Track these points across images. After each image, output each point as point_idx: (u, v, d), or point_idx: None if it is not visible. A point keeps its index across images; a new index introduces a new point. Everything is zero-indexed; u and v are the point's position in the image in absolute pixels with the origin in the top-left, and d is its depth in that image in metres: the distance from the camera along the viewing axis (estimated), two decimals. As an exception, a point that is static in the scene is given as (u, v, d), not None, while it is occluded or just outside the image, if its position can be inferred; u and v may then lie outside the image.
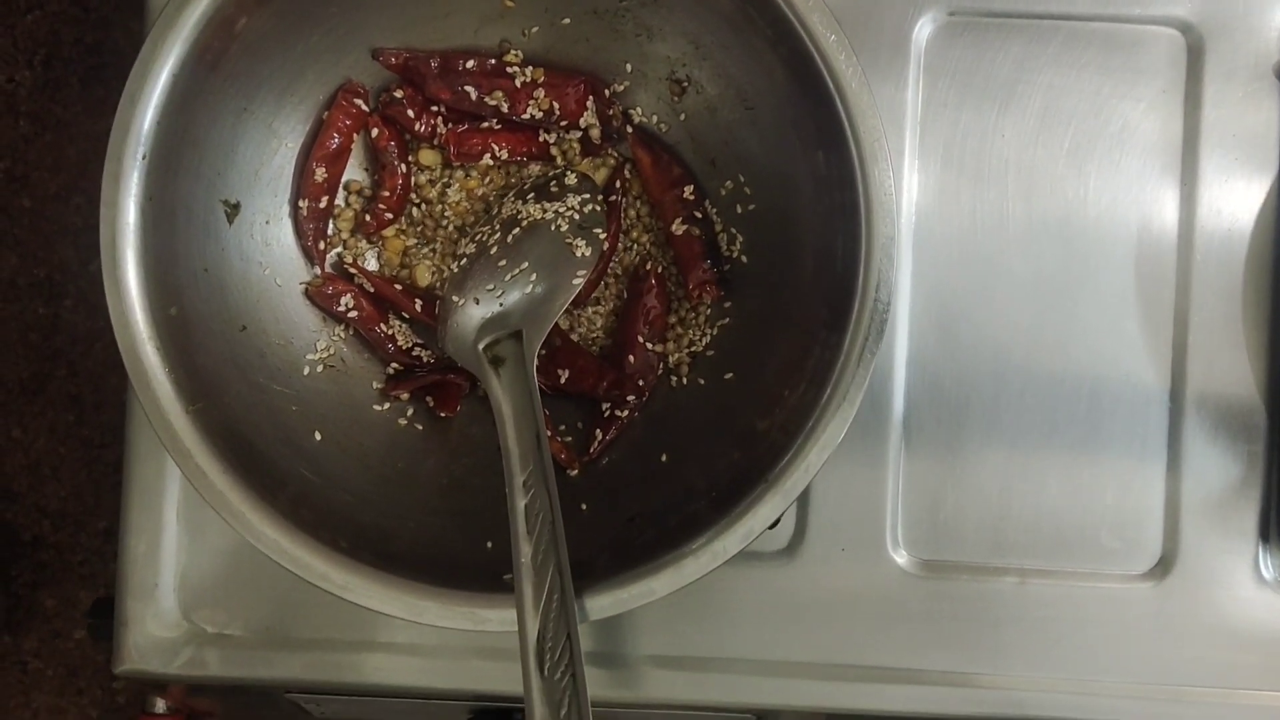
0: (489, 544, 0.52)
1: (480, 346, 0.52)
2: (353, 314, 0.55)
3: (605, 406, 0.56)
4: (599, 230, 0.54)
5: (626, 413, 0.56)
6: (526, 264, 0.53)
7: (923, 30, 0.59)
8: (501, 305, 0.53)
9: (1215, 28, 0.58)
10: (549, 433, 0.54)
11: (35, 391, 0.79)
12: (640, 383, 0.56)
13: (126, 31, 0.78)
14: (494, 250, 0.54)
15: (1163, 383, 0.59)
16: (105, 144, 0.78)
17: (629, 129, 0.57)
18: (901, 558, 0.59)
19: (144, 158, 0.48)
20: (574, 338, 0.57)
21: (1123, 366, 0.59)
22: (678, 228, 0.56)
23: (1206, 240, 0.59)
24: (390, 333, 0.56)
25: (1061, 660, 0.59)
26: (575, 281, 0.53)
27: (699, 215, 0.56)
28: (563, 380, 0.56)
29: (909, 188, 0.59)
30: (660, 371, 0.57)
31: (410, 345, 0.56)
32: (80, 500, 0.79)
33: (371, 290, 0.56)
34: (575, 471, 0.56)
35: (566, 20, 0.54)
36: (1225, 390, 0.59)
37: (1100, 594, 0.59)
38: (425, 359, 0.57)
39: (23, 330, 0.80)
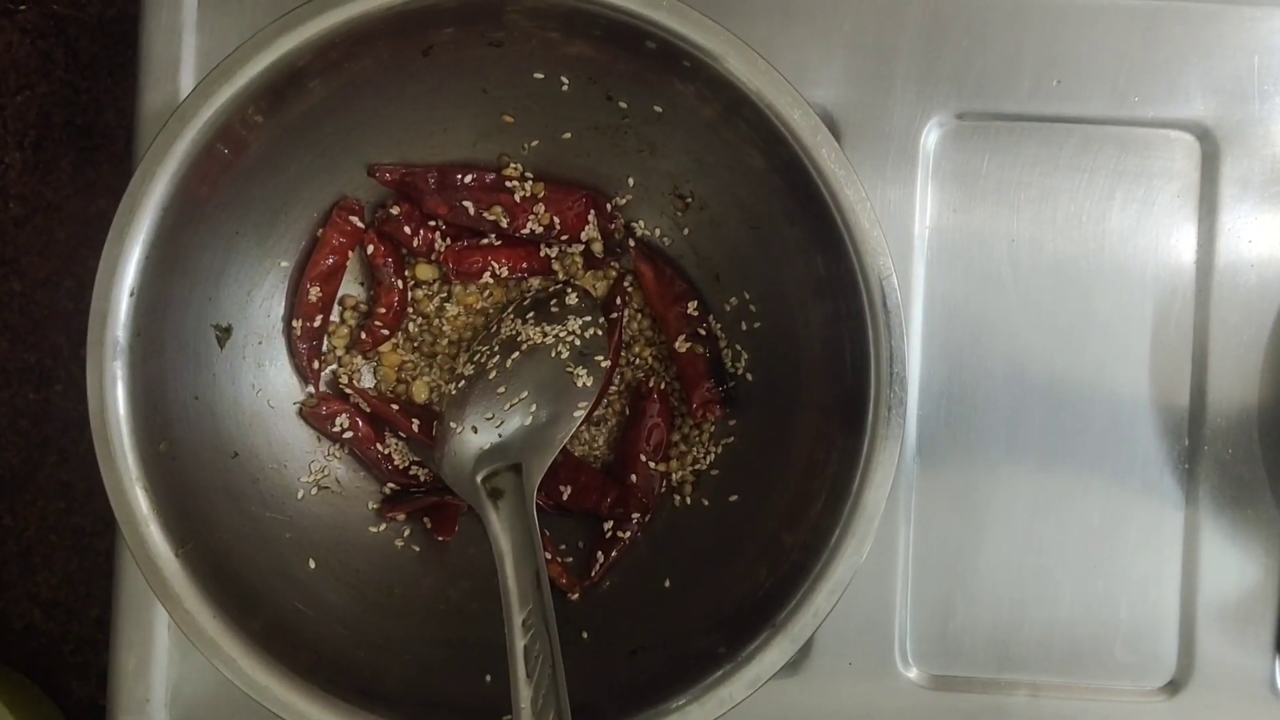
0: (487, 678, 0.50)
1: (479, 478, 0.50)
2: (348, 434, 0.54)
3: (607, 527, 0.54)
4: (600, 358, 0.52)
5: (629, 534, 0.54)
6: (526, 392, 0.52)
7: (931, 134, 0.57)
8: (500, 436, 0.51)
9: (1231, 132, 0.57)
10: (548, 554, 0.53)
11: (26, 479, 0.77)
12: (644, 502, 0.54)
13: (118, 113, 0.77)
14: (493, 375, 0.52)
15: (1179, 484, 0.58)
16: (96, 228, 0.77)
17: (632, 243, 0.55)
18: (911, 672, 0.58)
19: (132, 294, 0.46)
20: (575, 453, 0.56)
21: (1138, 470, 0.58)
22: (681, 345, 0.54)
23: (1221, 349, 0.57)
24: (387, 452, 0.55)
25: (1074, 779, 0.57)
26: (576, 413, 0.51)
27: (703, 331, 0.55)
28: (565, 497, 0.54)
29: (918, 292, 0.57)
30: (663, 490, 0.55)
31: (407, 464, 0.55)
32: (72, 588, 0.78)
33: (368, 410, 0.54)
34: (575, 595, 0.54)
35: (567, 135, 0.53)
36: (1241, 495, 0.58)
37: (1114, 710, 0.58)
38: (422, 479, 0.55)
39: (13, 417, 0.78)
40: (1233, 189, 0.57)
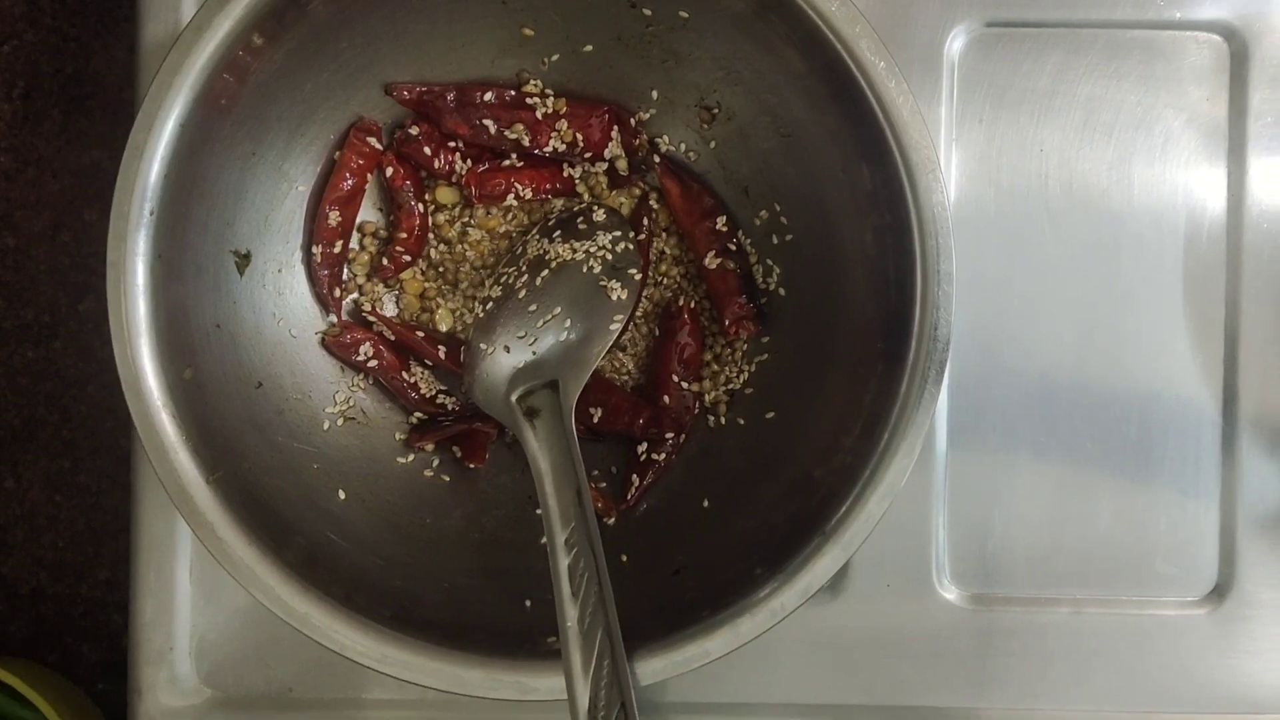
0: (527, 603, 0.49)
1: (513, 398, 0.49)
2: (373, 363, 0.53)
3: (641, 450, 0.53)
4: (633, 270, 0.51)
5: (664, 455, 0.53)
6: (559, 308, 0.50)
7: (956, 42, 0.56)
8: (535, 353, 0.50)
9: (1259, 31, 0.56)
10: (585, 478, 0.51)
11: (28, 439, 0.75)
12: (678, 422, 0.53)
13: (108, 60, 0.75)
14: (522, 294, 0.51)
15: (1215, 401, 0.57)
16: (90, 179, 0.75)
17: (656, 159, 0.54)
18: (950, 593, 0.57)
19: (152, 213, 0.44)
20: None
21: (1173, 385, 0.57)
22: (711, 261, 0.53)
23: (1256, 253, 0.57)
24: (413, 381, 0.53)
25: (1119, 693, 0.57)
26: (613, 327, 0.50)
27: (733, 247, 0.53)
28: (596, 420, 0.53)
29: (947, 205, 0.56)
30: (697, 411, 0.54)
31: (434, 393, 0.54)
32: (80, 550, 0.76)
33: (391, 338, 0.53)
34: (613, 520, 0.53)
35: (589, 47, 0.52)
36: (1278, 406, 0.57)
37: (1156, 622, 0.57)
38: (450, 407, 0.54)
39: (11, 375, 0.77)
40: (1262, 90, 0.56)
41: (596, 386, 0.53)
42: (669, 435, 0.53)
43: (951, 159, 0.56)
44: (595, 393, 0.53)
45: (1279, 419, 0.57)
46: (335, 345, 0.52)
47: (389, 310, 0.54)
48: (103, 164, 0.74)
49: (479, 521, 0.53)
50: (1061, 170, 0.57)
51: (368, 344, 0.52)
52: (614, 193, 0.54)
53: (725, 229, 0.53)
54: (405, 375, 0.53)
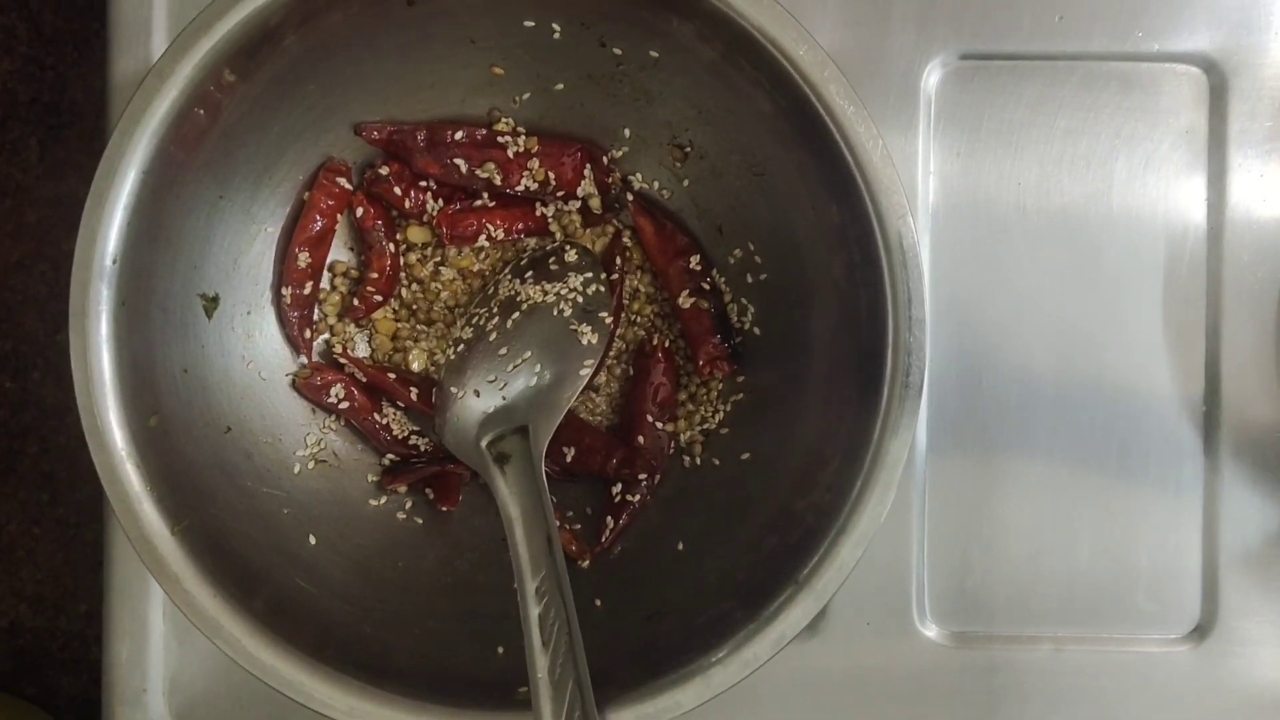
0: (500, 649, 0.49)
1: (484, 443, 0.48)
2: (344, 405, 0.52)
3: (616, 491, 0.53)
4: (605, 314, 0.50)
5: (639, 497, 0.53)
6: (530, 352, 0.50)
7: (932, 75, 0.56)
8: (505, 398, 0.49)
9: (1238, 63, 0.56)
10: (557, 522, 0.51)
11: (6, 471, 0.75)
12: (652, 463, 0.53)
13: (85, 88, 0.75)
14: (493, 336, 0.50)
15: (1196, 429, 0.56)
16: (67, 208, 0.74)
17: (629, 197, 0.53)
18: (930, 630, 0.56)
19: (114, 261, 0.44)
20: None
21: (1154, 414, 0.56)
22: (684, 300, 0.53)
23: (1236, 284, 0.56)
24: (385, 422, 0.53)
25: (1100, 731, 0.56)
26: (583, 372, 0.49)
27: (706, 286, 0.53)
28: (569, 459, 0.53)
29: (924, 240, 0.56)
30: (671, 451, 0.53)
31: (406, 434, 0.53)
32: (58, 583, 0.75)
33: (363, 379, 0.52)
34: (586, 563, 0.52)
35: (560, 86, 0.51)
36: (1262, 437, 0.56)
37: (1138, 659, 0.56)
38: (423, 448, 0.53)
39: (-10, 407, 0.76)
40: (1241, 122, 0.56)
41: (570, 425, 0.53)
42: (642, 476, 0.52)
43: (929, 191, 0.56)
44: (568, 432, 0.53)
45: (1261, 448, 0.56)
46: (306, 388, 0.52)
47: (361, 351, 0.54)
48: (80, 193, 0.74)
49: (452, 565, 0.52)
50: (1039, 201, 0.56)
51: (339, 385, 0.52)
52: (587, 231, 0.54)
53: (699, 268, 0.53)
54: (377, 417, 0.53)
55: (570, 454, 0.53)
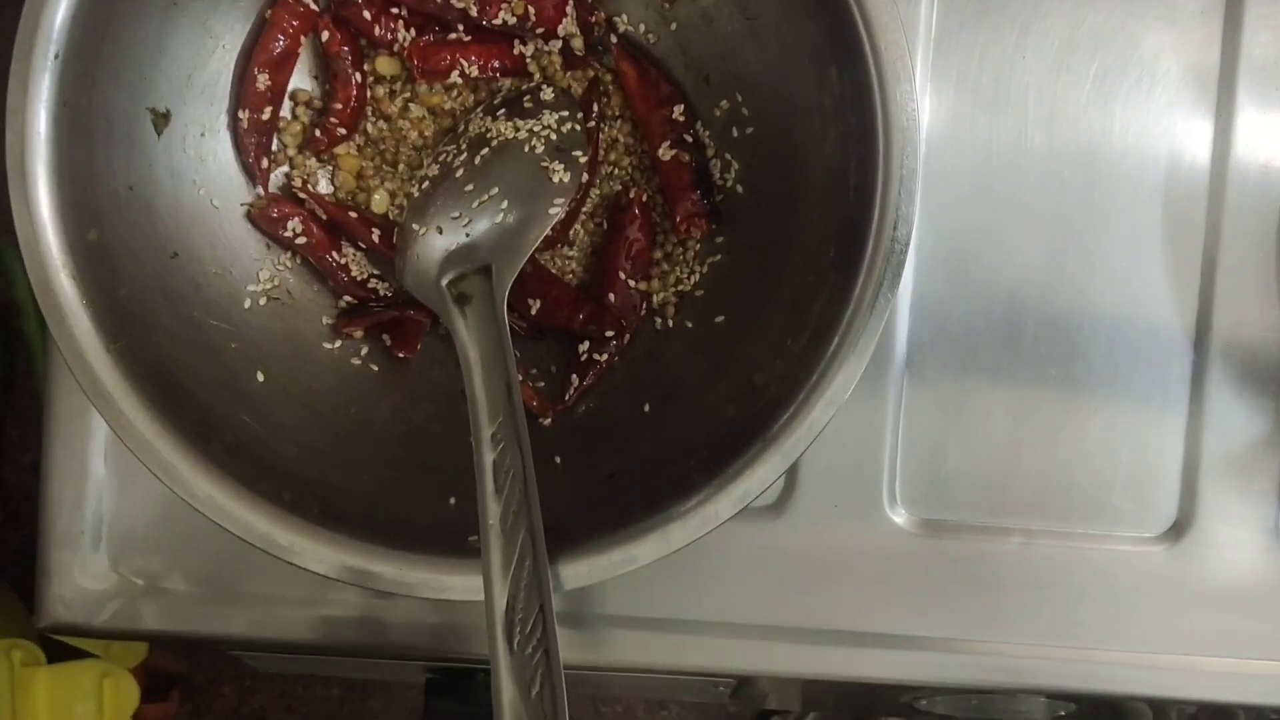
0: (452, 500, 0.47)
1: (444, 282, 0.46)
2: (301, 240, 0.49)
3: (583, 349, 0.50)
4: (579, 153, 0.48)
5: (606, 356, 0.50)
6: (497, 189, 0.47)
7: (940, -65, 0.53)
8: (468, 236, 0.47)
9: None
10: (519, 377, 0.49)
11: (-53, 318, 0.72)
12: (621, 321, 0.50)
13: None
14: (460, 173, 0.48)
15: (1187, 330, 0.54)
16: (10, 39, 0.71)
17: (613, 39, 0.50)
18: (899, 516, 0.55)
19: (56, 57, 0.41)
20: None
21: (1145, 312, 0.54)
22: (665, 152, 0.50)
23: (1241, 178, 0.54)
24: (343, 262, 0.50)
25: (1067, 628, 0.55)
26: (552, 211, 0.47)
27: (689, 139, 0.50)
28: (534, 311, 0.50)
29: (920, 113, 0.53)
30: (644, 312, 0.51)
31: (365, 276, 0.51)
32: (4, 434, 0.73)
33: (323, 216, 0.50)
34: (548, 420, 0.50)
35: (545, -86, 0.48)
36: (1253, 341, 0.55)
37: (1110, 557, 0.55)
38: (382, 292, 0.51)
39: (-65, 249, 0.73)
40: (1258, 5, 0.54)
41: (537, 277, 0.50)
42: (610, 334, 0.50)
43: (930, 62, 0.54)
44: (535, 284, 0.50)
45: (1251, 353, 0.54)
46: (261, 219, 0.49)
47: (323, 188, 0.51)
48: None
49: (407, 414, 0.50)
50: (1043, 81, 0.54)
51: (296, 220, 0.49)
52: (568, 74, 0.51)
53: (682, 119, 0.50)
54: (336, 255, 0.50)
55: (536, 306, 0.50)
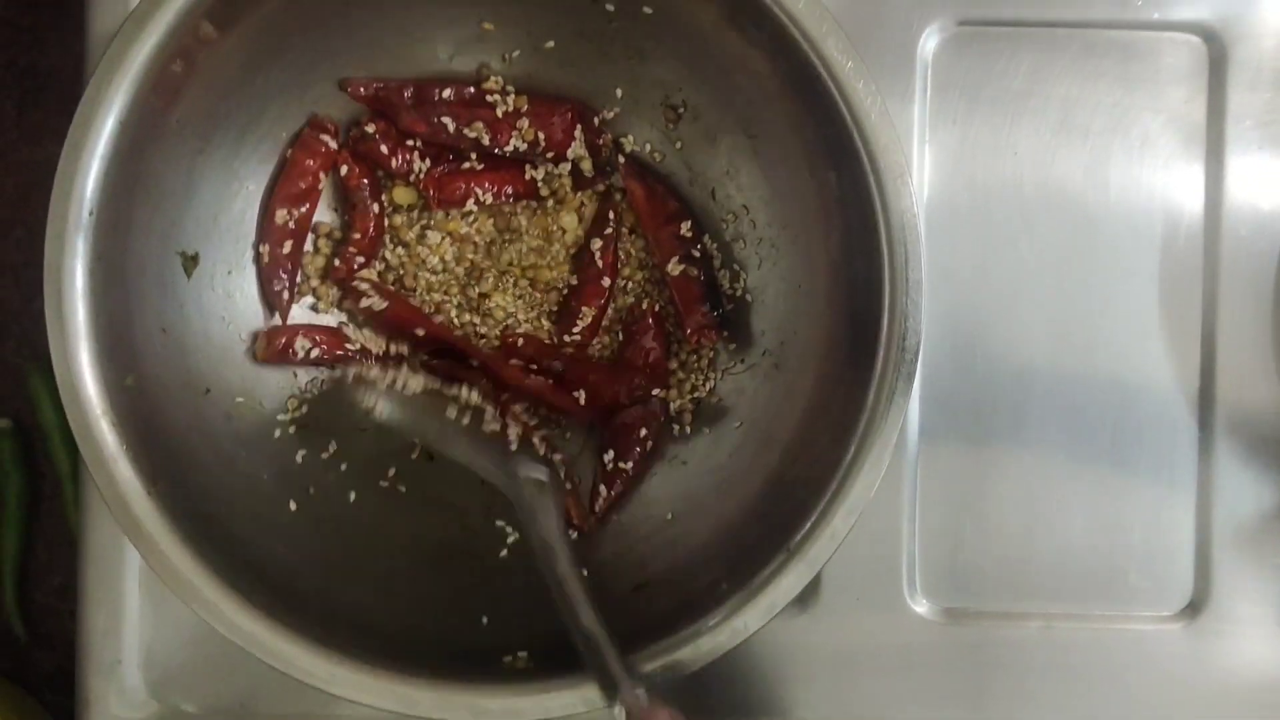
0: (484, 619, 0.48)
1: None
2: (315, 352, 0.51)
3: (608, 459, 0.51)
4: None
5: (631, 464, 0.51)
6: None
7: (929, 41, 0.55)
8: None
9: (1238, 33, 0.55)
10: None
11: (-21, 442, 0.73)
12: (643, 431, 0.52)
13: (64, 51, 0.73)
14: None
15: (1191, 407, 0.56)
16: (44, 173, 0.73)
17: (621, 159, 0.52)
18: (921, 606, 0.55)
19: (91, 214, 0.43)
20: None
21: (1149, 391, 0.55)
22: (674, 268, 0.52)
23: (1234, 255, 0.55)
24: (357, 345, 0.51)
25: (1091, 708, 0.55)
26: None
27: (696, 254, 0.52)
28: (582, 401, 0.51)
29: (918, 210, 0.55)
30: (663, 419, 0.52)
31: (384, 346, 0.52)
32: (33, 556, 0.74)
33: (382, 305, 0.51)
34: (583, 530, 0.51)
35: (550, 43, 0.50)
36: (1257, 415, 0.56)
37: (1130, 637, 0.56)
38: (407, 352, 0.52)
39: (-36, 376, 0.74)
40: (1241, 94, 0.55)
41: (573, 370, 0.51)
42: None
43: (925, 159, 0.55)
44: (574, 377, 0.51)
45: (1255, 426, 0.56)
46: (270, 354, 0.50)
47: (329, 319, 0.52)
48: (58, 159, 0.72)
49: (435, 533, 0.51)
50: (1036, 170, 0.55)
51: (301, 338, 0.50)
52: (578, 194, 0.53)
53: (690, 234, 0.52)
54: (349, 346, 0.51)
55: (582, 397, 0.51)
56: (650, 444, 0.52)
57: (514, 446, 0.48)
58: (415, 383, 0.49)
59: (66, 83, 0.75)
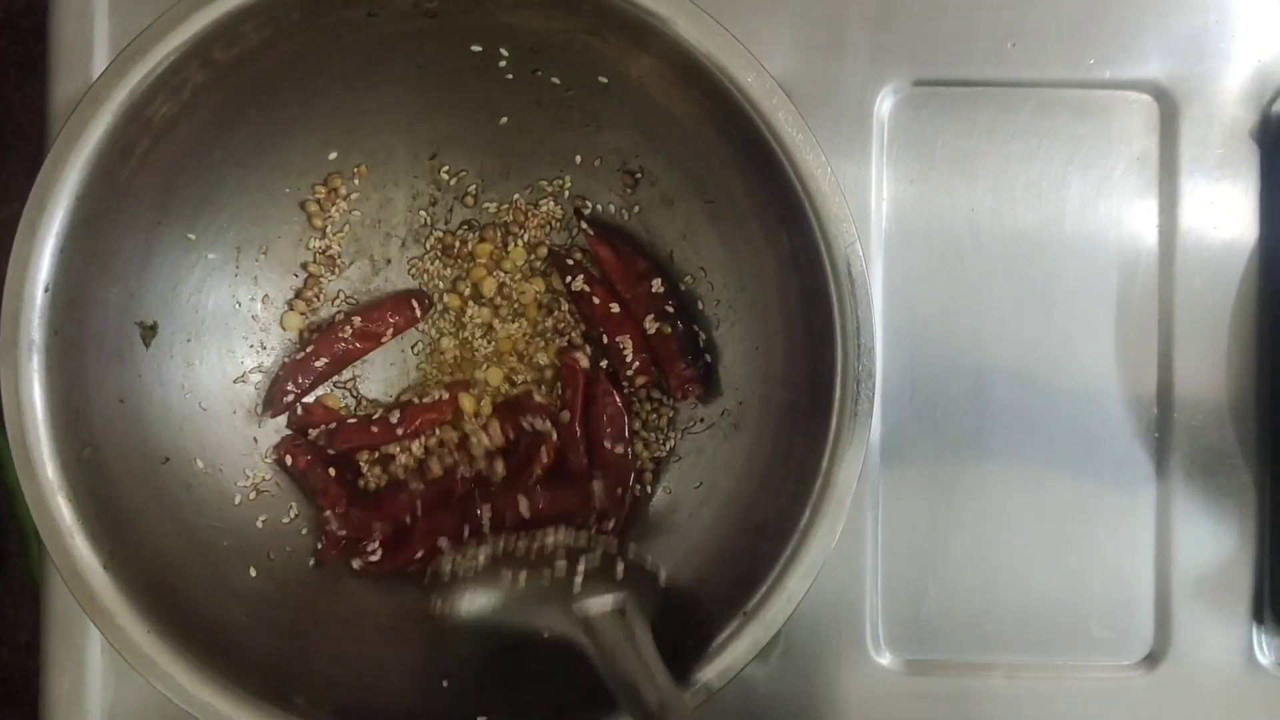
0: (444, 683, 0.48)
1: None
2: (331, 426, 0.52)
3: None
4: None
5: (613, 524, 0.52)
6: None
7: (885, 101, 0.55)
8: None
9: (1189, 91, 0.56)
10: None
11: (-56, 501, 0.73)
12: (619, 491, 0.52)
13: (29, 112, 0.73)
14: None
15: (1150, 457, 0.56)
16: (9, 231, 0.73)
17: (585, 226, 0.53)
18: (884, 658, 0.56)
19: (46, 289, 0.43)
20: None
21: (1108, 442, 0.56)
22: (649, 325, 0.52)
23: (1188, 310, 0.56)
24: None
25: (1055, 760, 0.56)
26: None
27: (670, 309, 0.52)
28: (540, 507, 0.52)
29: (877, 267, 0.56)
30: (632, 481, 0.53)
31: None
32: (0, 613, 0.73)
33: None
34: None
35: (504, 120, 0.51)
36: (1213, 464, 0.56)
37: (1092, 687, 0.56)
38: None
39: (-71, 435, 0.74)
40: (1192, 150, 0.56)
41: (551, 497, 0.52)
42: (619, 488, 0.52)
43: (883, 217, 0.56)
44: (549, 507, 0.52)
45: (1212, 475, 0.56)
46: (289, 454, 0.51)
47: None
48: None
49: (396, 597, 0.51)
50: (994, 226, 0.56)
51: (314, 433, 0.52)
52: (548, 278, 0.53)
53: (662, 290, 0.52)
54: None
55: (543, 500, 0.52)
56: (627, 502, 0.52)
57: (577, 588, 0.45)
58: (483, 552, 0.48)
59: (32, 142, 0.75)
